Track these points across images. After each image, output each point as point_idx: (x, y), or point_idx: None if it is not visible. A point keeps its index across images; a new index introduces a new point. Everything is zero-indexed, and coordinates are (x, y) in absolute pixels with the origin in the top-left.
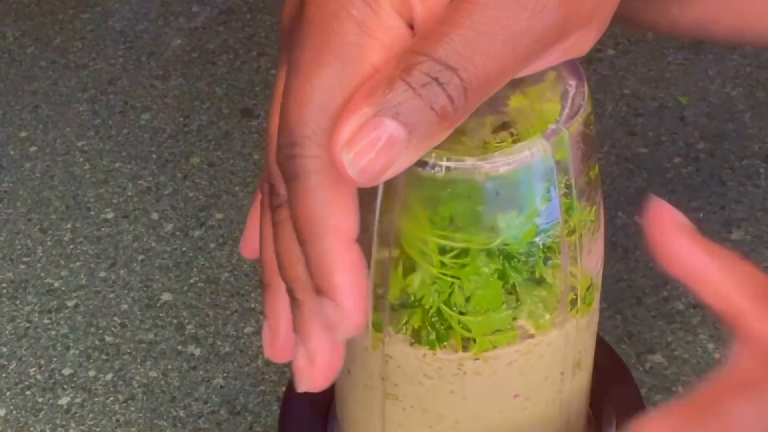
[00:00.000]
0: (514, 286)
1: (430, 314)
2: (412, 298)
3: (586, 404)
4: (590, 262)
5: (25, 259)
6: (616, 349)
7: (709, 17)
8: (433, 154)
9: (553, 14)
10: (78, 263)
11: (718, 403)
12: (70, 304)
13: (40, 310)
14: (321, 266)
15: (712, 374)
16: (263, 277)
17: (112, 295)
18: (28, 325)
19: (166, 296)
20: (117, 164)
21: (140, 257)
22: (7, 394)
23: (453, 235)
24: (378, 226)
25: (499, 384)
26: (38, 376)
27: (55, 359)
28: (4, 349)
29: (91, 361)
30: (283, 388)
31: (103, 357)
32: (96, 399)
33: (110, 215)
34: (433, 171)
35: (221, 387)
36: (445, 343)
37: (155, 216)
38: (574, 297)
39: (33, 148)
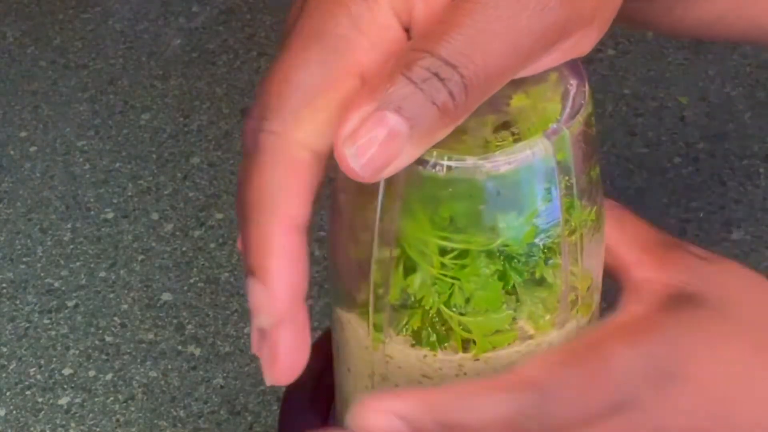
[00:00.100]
0: (514, 286)
1: (430, 315)
2: (413, 299)
3: None
4: (591, 262)
5: (25, 259)
6: None
7: (714, 16)
8: (434, 153)
9: (554, 14)
10: (78, 263)
11: (601, 346)
12: (70, 304)
13: (40, 310)
14: (258, 247)
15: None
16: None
17: (112, 295)
18: (28, 325)
19: (166, 296)
20: (117, 164)
21: (140, 257)
22: (7, 394)
23: (453, 235)
24: (379, 226)
25: None
26: (38, 376)
27: (55, 359)
28: (4, 349)
29: (91, 361)
30: (283, 388)
31: (103, 357)
32: (96, 399)
33: (110, 215)
34: (434, 170)
35: (221, 387)
36: (445, 344)
37: (155, 216)
38: (575, 297)
39: (33, 148)
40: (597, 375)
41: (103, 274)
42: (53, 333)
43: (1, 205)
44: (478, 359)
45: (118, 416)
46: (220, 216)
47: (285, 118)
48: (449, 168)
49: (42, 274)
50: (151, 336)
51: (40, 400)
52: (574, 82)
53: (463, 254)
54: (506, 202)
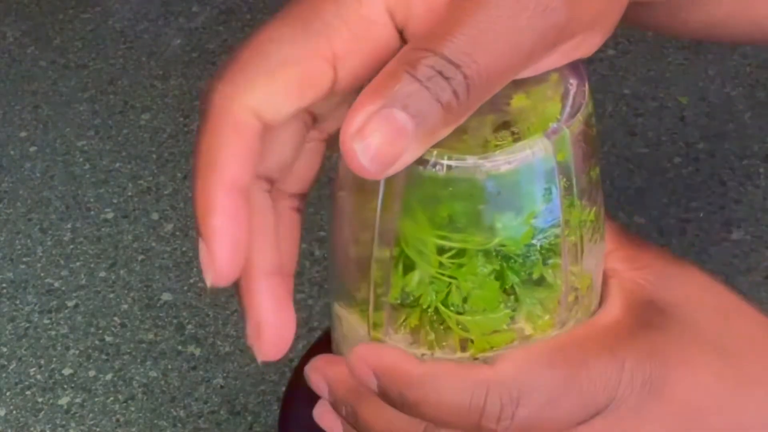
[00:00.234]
0: (512, 286)
1: (428, 314)
2: (411, 297)
3: None
4: (590, 262)
5: (25, 259)
6: None
7: (718, 19)
8: (434, 153)
9: (556, 15)
10: (78, 263)
11: (580, 350)
12: (70, 304)
13: (40, 310)
14: (200, 205)
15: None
16: None
17: (112, 295)
18: (28, 325)
19: (166, 296)
20: (117, 164)
21: (140, 257)
22: (7, 394)
23: (451, 235)
24: (379, 225)
25: None
26: (38, 376)
27: (55, 359)
28: (4, 349)
29: (91, 361)
30: (283, 388)
31: (103, 357)
32: (96, 399)
33: (110, 215)
34: (434, 170)
35: (221, 387)
36: (443, 343)
37: (155, 216)
38: (574, 297)
39: (33, 148)
40: (571, 381)
41: (103, 274)
42: (53, 333)
43: (1, 205)
44: (476, 358)
45: (118, 416)
46: None
47: (238, 82)
48: (449, 167)
49: (42, 274)
50: (151, 336)
51: (40, 400)
52: (574, 81)
53: (461, 253)
54: (506, 201)
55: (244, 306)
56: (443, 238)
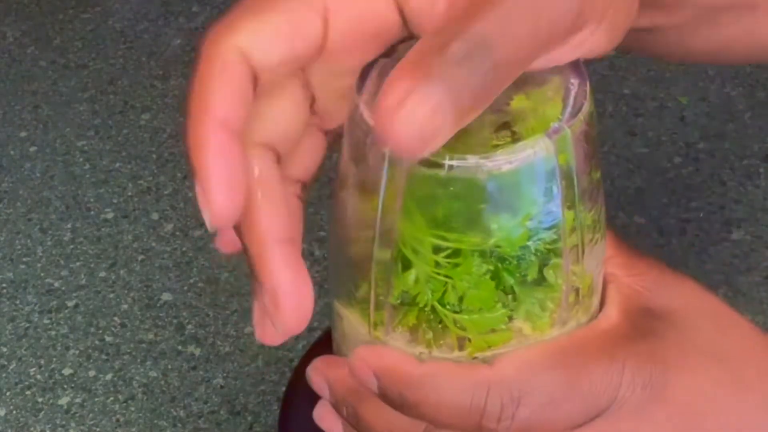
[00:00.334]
0: (511, 286)
1: (426, 312)
2: (409, 296)
3: None
4: (591, 262)
5: (25, 259)
6: None
7: (723, 44)
8: (436, 152)
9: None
10: (78, 263)
11: (580, 354)
12: (70, 304)
13: (40, 310)
14: (193, 145)
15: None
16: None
17: (112, 295)
18: (28, 325)
19: (166, 296)
20: (117, 164)
21: (140, 257)
22: (7, 394)
23: (447, 234)
24: (379, 224)
25: None
26: (38, 376)
27: (55, 359)
28: (4, 349)
29: (91, 361)
30: (283, 388)
31: (103, 357)
32: (96, 399)
33: (110, 215)
34: (435, 169)
35: (221, 387)
36: (441, 342)
37: (155, 216)
38: (575, 297)
39: (33, 148)
40: (573, 382)
41: (103, 274)
42: (53, 333)
43: (1, 205)
44: (474, 357)
45: (118, 416)
46: None
47: (229, 25)
48: (451, 167)
49: (42, 274)
50: (151, 336)
51: (40, 400)
52: (575, 81)
53: (457, 253)
54: (507, 201)
55: (258, 273)
56: (439, 237)
